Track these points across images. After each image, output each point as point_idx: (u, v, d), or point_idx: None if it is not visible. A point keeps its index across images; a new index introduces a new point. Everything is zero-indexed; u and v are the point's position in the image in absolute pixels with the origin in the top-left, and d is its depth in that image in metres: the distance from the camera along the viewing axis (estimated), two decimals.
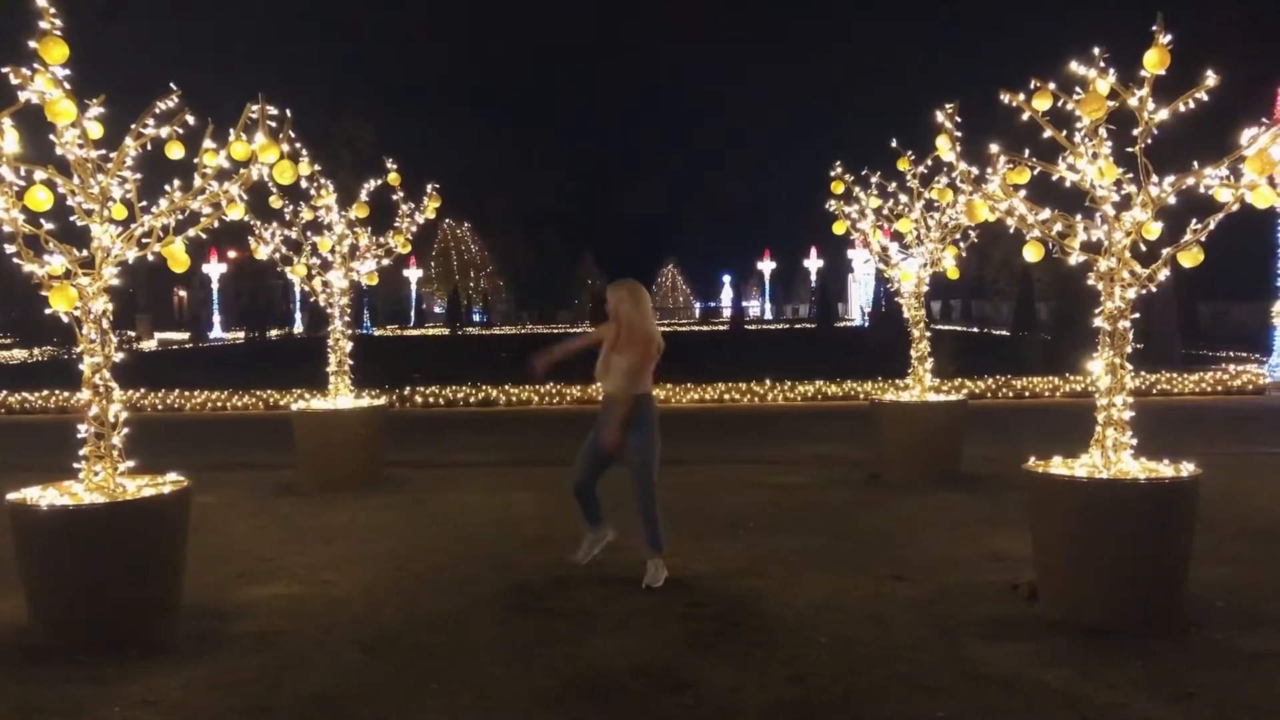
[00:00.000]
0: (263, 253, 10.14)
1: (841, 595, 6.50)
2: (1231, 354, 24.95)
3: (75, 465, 5.98)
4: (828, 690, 4.96)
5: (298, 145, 9.30)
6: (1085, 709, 4.66)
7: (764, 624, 5.99)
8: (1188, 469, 5.85)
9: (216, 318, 59.62)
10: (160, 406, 18.85)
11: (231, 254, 59.14)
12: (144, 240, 5.99)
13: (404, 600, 6.62)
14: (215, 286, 60.40)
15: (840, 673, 5.18)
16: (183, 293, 72.92)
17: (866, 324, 50.13)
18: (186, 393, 19.23)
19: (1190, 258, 5.74)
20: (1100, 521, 5.75)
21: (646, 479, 6.77)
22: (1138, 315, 6.03)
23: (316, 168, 10.15)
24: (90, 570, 5.62)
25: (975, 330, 45.65)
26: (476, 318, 77.35)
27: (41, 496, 5.77)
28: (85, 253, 5.81)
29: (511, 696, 4.97)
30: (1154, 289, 5.97)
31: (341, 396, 10.83)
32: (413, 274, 74.69)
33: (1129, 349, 6.01)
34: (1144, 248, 5.95)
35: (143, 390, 19.07)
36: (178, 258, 5.99)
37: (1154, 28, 5.56)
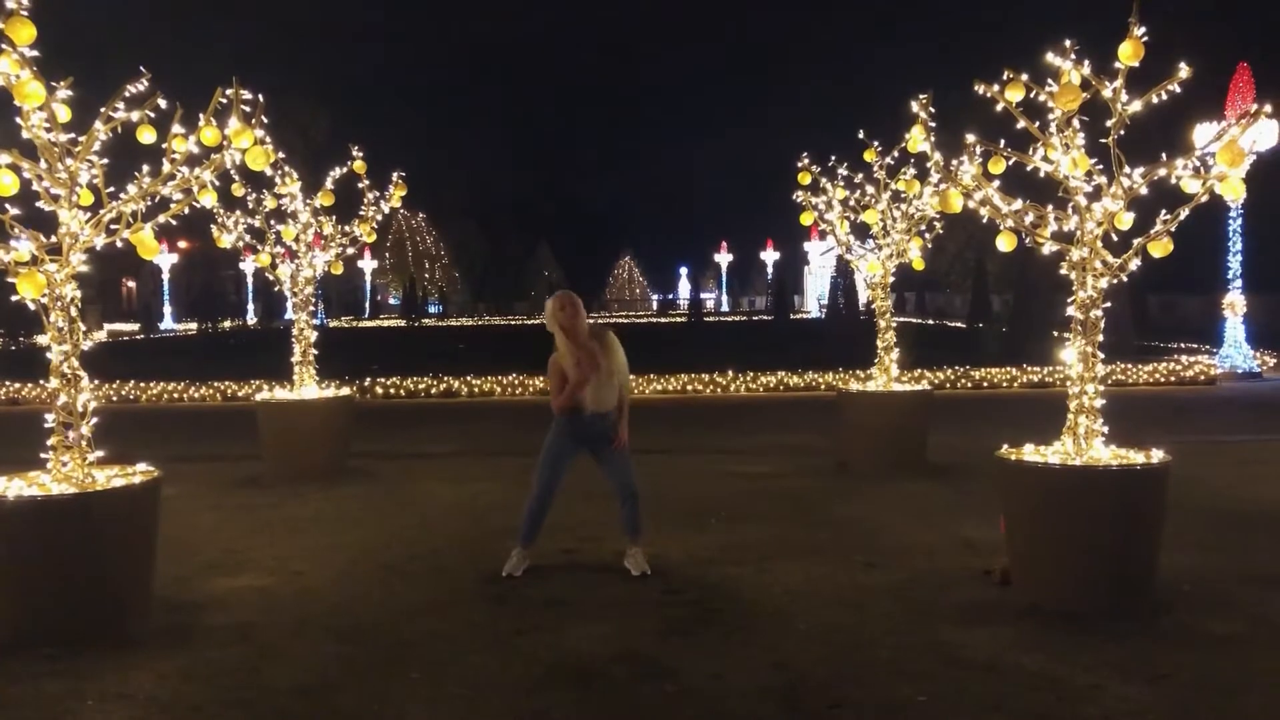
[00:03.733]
0: (226, 241, 10.02)
1: (816, 582, 6.55)
2: (1183, 345, 25.38)
3: (43, 455, 5.86)
4: (809, 676, 5.00)
5: (263, 133, 9.19)
6: (1063, 691, 4.73)
7: (741, 611, 6.01)
8: (1158, 456, 5.95)
9: (167, 308, 58.67)
10: (115, 398, 18.53)
11: (182, 244, 58.23)
12: (113, 226, 5.88)
13: (378, 590, 6.57)
14: (166, 277, 59.44)
15: (820, 658, 5.22)
16: (131, 283, 71.66)
17: (823, 316, 50.41)
18: (142, 384, 18.92)
19: (1161, 248, 5.83)
20: (1072, 508, 5.83)
21: (633, 475, 6.81)
22: (1110, 304, 6.11)
23: (281, 155, 10.04)
24: (59, 562, 5.52)
25: (930, 322, 46.08)
26: (432, 309, 76.82)
27: (8, 487, 5.65)
28: (53, 239, 5.69)
29: (494, 684, 4.95)
30: (1125, 278, 6.06)
31: (306, 387, 10.72)
32: (368, 265, 73.98)
33: (1100, 338, 6.10)
34: (1115, 238, 6.03)
35: (96, 381, 18.72)
36: (147, 244, 5.89)
37: (1130, 20, 5.64)
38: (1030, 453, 6.21)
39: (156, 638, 5.65)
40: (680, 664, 5.16)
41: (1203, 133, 4.94)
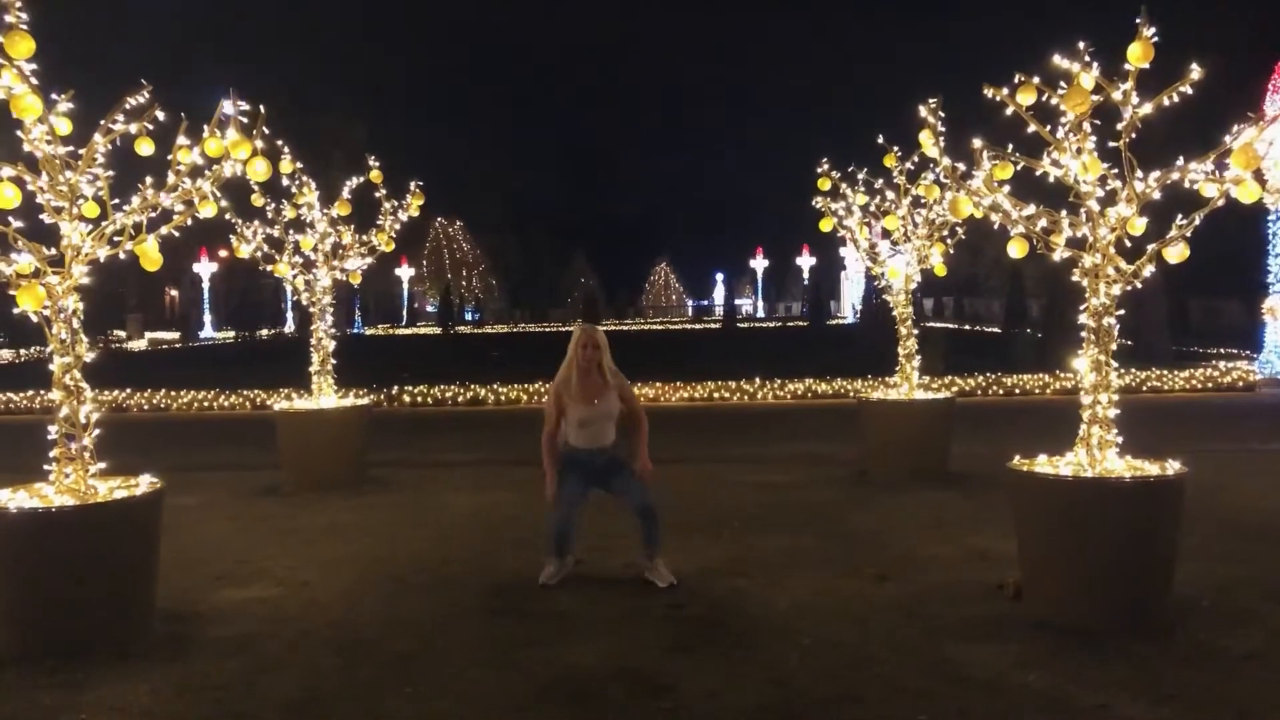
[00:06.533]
0: (245, 251, 10.08)
1: (825, 595, 6.43)
2: (1223, 351, 24.93)
3: (46, 467, 5.88)
4: (808, 693, 4.89)
5: (280, 143, 9.23)
6: (1067, 711, 4.60)
7: (746, 625, 5.91)
8: (1173, 467, 5.79)
9: (207, 317, 59.44)
10: (146, 406, 18.73)
11: (223, 253, 58.97)
12: (116, 238, 5.90)
13: (383, 603, 6.53)
14: (206, 286, 60.23)
15: (821, 675, 5.11)
16: (174, 292, 72.66)
17: (857, 322, 50.10)
18: (173, 392, 19.11)
19: (1176, 254, 5.67)
20: (1084, 520, 5.68)
21: (648, 494, 6.77)
22: (1123, 311, 5.96)
23: (299, 165, 10.08)
24: (60, 574, 5.51)
25: (967, 328, 45.63)
26: (469, 316, 77.22)
27: (10, 499, 5.67)
28: (54, 251, 5.71)
29: (487, 701, 4.89)
30: (1139, 285, 5.90)
31: (325, 396, 10.74)
32: (404, 273, 74.48)
33: (1114, 346, 5.94)
34: (1129, 244, 5.88)
35: (129, 390, 18.97)
36: (150, 256, 5.89)
37: (1138, 20, 5.50)
38: (1042, 464, 6.06)
39: (157, 649, 5.64)
40: (679, 681, 5.07)
41: (1239, 135, 4.81)
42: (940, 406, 10.44)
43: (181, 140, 5.94)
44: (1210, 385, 18.59)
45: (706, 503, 9.35)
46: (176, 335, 53.62)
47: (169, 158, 5.96)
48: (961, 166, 6.35)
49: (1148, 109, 5.63)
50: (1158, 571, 5.72)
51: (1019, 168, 6.03)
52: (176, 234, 6.06)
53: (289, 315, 62.15)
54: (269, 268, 10.46)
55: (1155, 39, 5.50)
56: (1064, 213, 5.99)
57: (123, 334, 50.06)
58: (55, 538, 5.55)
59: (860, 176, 10.50)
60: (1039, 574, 5.93)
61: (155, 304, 67.40)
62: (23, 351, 36.89)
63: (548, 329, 59.84)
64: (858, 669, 5.18)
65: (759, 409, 17.88)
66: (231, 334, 55.29)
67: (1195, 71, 5.44)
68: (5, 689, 5.09)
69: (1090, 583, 5.71)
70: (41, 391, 19.00)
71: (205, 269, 58.80)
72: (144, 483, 6.03)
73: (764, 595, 6.46)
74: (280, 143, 9.31)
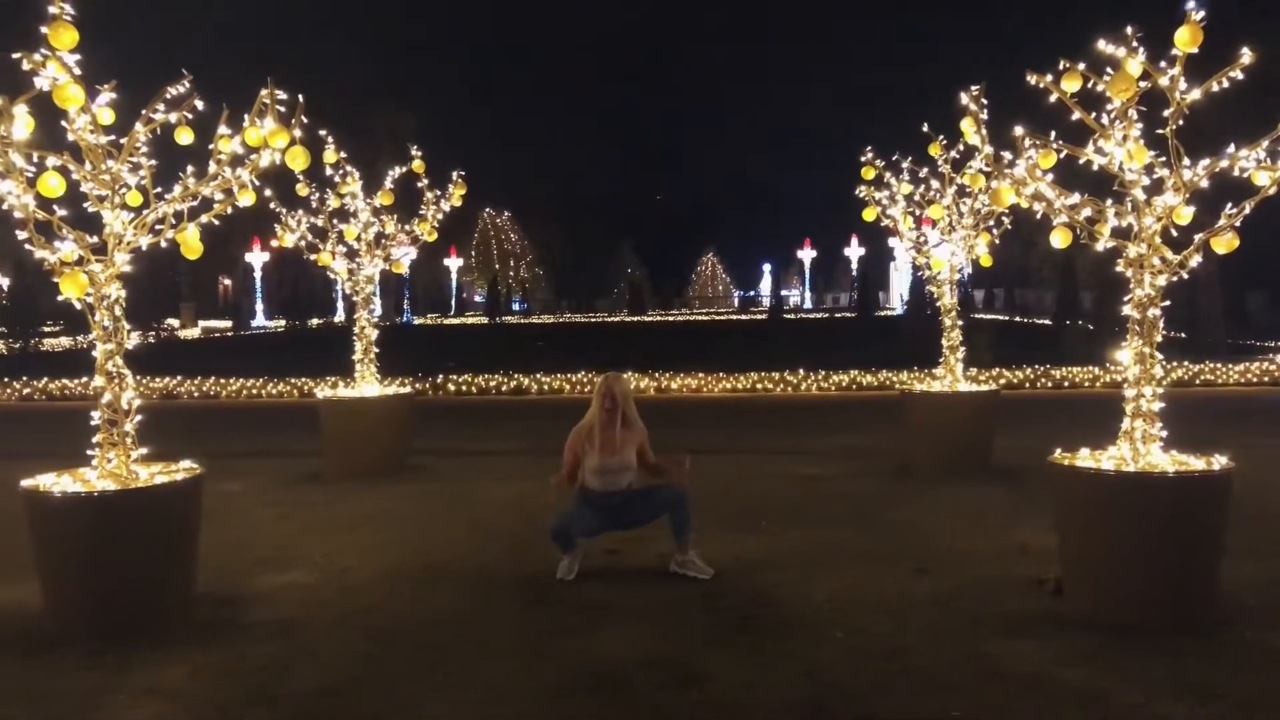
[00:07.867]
0: (289, 240, 10.19)
1: (862, 589, 6.37)
2: None
3: (89, 453, 5.97)
4: (840, 686, 4.84)
5: (323, 133, 9.31)
6: (1105, 709, 4.51)
7: (780, 618, 5.87)
8: (1219, 462, 5.65)
9: (259, 306, 60.23)
10: (196, 394, 18.99)
11: (274, 243, 59.71)
12: (157, 227, 5.97)
13: (419, 590, 6.57)
14: (258, 275, 61.03)
15: (854, 669, 5.06)
16: (227, 281, 73.71)
17: (903, 313, 49.65)
18: (223, 380, 19.37)
19: (1224, 244, 5.53)
20: (1127, 516, 5.57)
21: (673, 492, 6.78)
22: (1169, 303, 5.82)
23: (342, 155, 10.15)
24: (102, 557, 5.61)
25: (1018, 319, 45.02)
26: (517, 306, 77.59)
27: (55, 483, 5.77)
28: (97, 239, 5.79)
29: (517, 689, 4.90)
30: (1185, 276, 5.76)
31: (367, 384, 10.82)
32: (453, 263, 74.97)
33: (1159, 338, 5.81)
34: (1175, 234, 5.74)
35: (180, 377, 19.25)
36: (190, 244, 5.95)
37: (1188, 4, 5.36)
38: (1084, 457, 5.94)
39: (197, 633, 5.72)
40: (710, 671, 5.05)
41: None
42: (984, 399, 10.29)
43: (222, 129, 5.99)
44: (1266, 379, 18.18)
45: (745, 494, 9.30)
46: (229, 324, 54.38)
47: (210, 147, 6.02)
48: (1007, 155, 6.24)
49: (1196, 95, 5.49)
50: (1202, 568, 5.59)
51: (1063, 155, 5.91)
52: (216, 223, 6.12)
53: (339, 304, 62.80)
54: (313, 256, 10.57)
55: (1204, 23, 5.36)
56: (1109, 202, 5.87)
57: (176, 322, 50.85)
58: (97, 521, 5.64)
59: (905, 165, 10.36)
60: (1080, 569, 5.83)
61: (208, 293, 68.44)
62: (79, 338, 37.57)
63: (593, 319, 59.93)
64: (892, 662, 5.12)
65: (802, 400, 17.76)
66: (282, 323, 55.96)
67: (1246, 56, 5.30)
68: (49, 670, 5.18)
69: (1132, 579, 5.59)
70: None
71: (257, 258, 59.57)
72: (184, 468, 6.11)
73: (800, 588, 6.41)
74: (324, 133, 9.40)
